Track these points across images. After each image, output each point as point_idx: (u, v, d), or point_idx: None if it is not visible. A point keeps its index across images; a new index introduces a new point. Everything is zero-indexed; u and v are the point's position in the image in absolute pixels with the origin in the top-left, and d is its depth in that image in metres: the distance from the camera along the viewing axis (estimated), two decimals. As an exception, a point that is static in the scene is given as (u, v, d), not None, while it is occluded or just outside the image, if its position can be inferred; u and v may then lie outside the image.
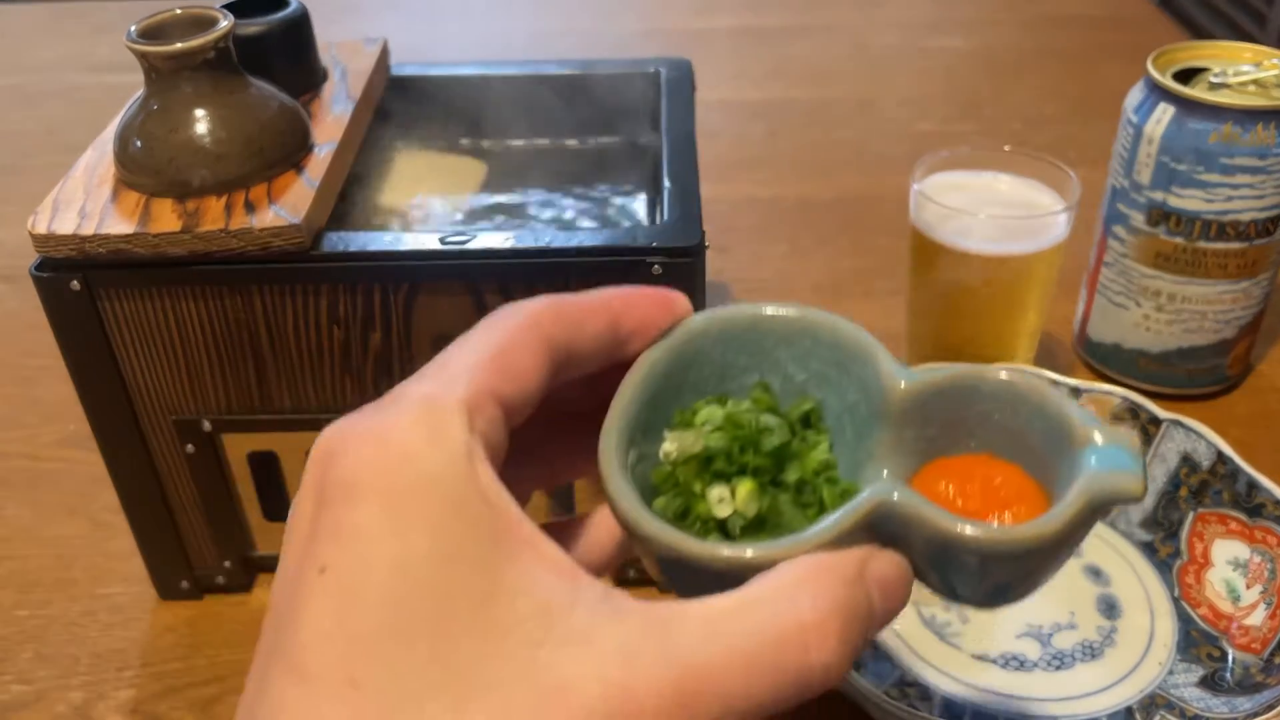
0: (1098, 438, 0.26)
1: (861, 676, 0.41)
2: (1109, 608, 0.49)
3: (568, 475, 0.31)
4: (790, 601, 0.24)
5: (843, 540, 0.25)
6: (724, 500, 0.28)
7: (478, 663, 0.23)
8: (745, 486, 0.28)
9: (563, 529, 0.31)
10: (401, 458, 0.24)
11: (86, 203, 0.44)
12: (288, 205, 0.43)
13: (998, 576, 0.26)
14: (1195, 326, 0.59)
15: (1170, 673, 0.46)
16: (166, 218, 0.43)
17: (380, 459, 0.24)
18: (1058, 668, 0.46)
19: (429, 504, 0.24)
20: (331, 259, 0.43)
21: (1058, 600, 0.49)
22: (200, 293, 0.44)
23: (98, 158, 0.47)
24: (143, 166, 0.44)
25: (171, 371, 0.46)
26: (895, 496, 0.25)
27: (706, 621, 0.24)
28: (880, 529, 0.26)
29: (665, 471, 0.29)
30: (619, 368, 0.30)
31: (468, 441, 0.25)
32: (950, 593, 0.27)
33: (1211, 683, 0.45)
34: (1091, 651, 0.47)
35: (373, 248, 0.44)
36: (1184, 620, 0.48)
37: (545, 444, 0.32)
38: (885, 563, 0.26)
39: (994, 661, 0.47)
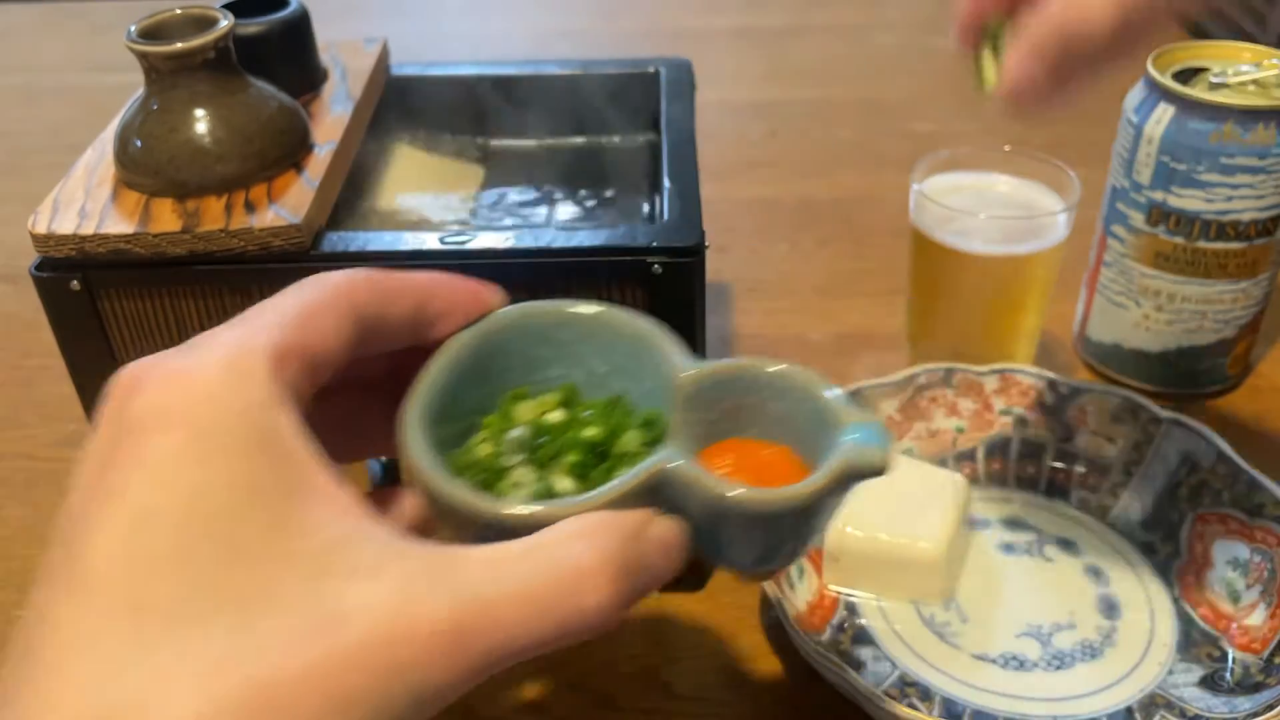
0: (852, 420, 0.30)
1: (861, 676, 0.41)
2: (1109, 608, 0.49)
3: (374, 449, 0.32)
4: (570, 548, 0.26)
5: (626, 502, 0.28)
6: (518, 485, 0.31)
7: (264, 588, 0.24)
8: (528, 474, 0.31)
9: (372, 500, 0.32)
10: (206, 396, 0.25)
11: (86, 203, 0.44)
12: (288, 205, 0.43)
13: (762, 538, 0.29)
14: (1195, 326, 0.59)
15: (1170, 673, 0.46)
16: (166, 218, 0.43)
17: (185, 395, 0.25)
18: (1057, 668, 0.46)
19: (231, 440, 0.25)
20: (331, 259, 0.43)
21: (1058, 600, 0.49)
22: (200, 292, 0.44)
23: (98, 158, 0.47)
24: (142, 166, 0.44)
25: (171, 371, 0.46)
26: (673, 464, 0.28)
27: (490, 563, 0.25)
28: (661, 495, 0.28)
29: (469, 458, 0.31)
30: (426, 350, 0.32)
31: (271, 387, 0.26)
32: (722, 557, 0.30)
33: (1211, 683, 0.45)
34: (1091, 651, 0.47)
35: (373, 248, 0.44)
36: (1184, 620, 0.48)
37: (352, 417, 0.33)
38: (663, 526, 0.28)
39: (994, 661, 0.47)
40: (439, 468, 0.29)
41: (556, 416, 0.32)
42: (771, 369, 0.31)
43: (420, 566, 0.25)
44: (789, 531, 0.29)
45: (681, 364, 0.31)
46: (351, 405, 0.33)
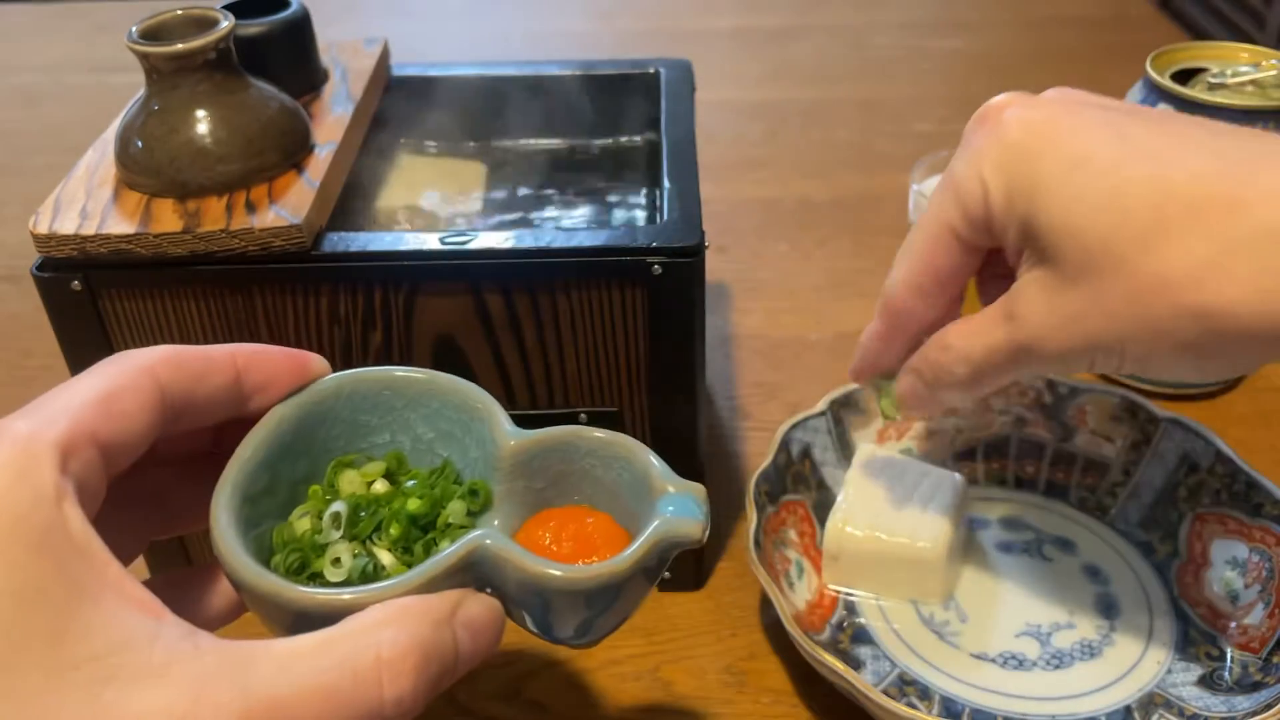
0: (671, 488, 0.30)
1: (860, 675, 0.41)
2: (1108, 607, 0.49)
3: (200, 523, 0.31)
4: (371, 638, 0.25)
5: (437, 583, 0.27)
6: (338, 561, 0.30)
7: (40, 701, 0.23)
8: (348, 550, 0.30)
9: (193, 577, 0.32)
10: None
11: (88, 203, 0.44)
12: (288, 205, 0.43)
13: (580, 612, 0.29)
14: (1194, 326, 0.59)
15: (1169, 672, 0.46)
16: (167, 218, 0.43)
17: None
18: (1056, 667, 0.47)
19: (8, 543, 0.24)
20: (332, 259, 0.44)
21: (1056, 600, 0.49)
22: (201, 293, 0.44)
23: (99, 158, 0.47)
24: (143, 167, 0.44)
25: (172, 371, 0.46)
26: (488, 542, 0.28)
27: (288, 656, 0.24)
28: (478, 572, 0.28)
29: (288, 534, 0.31)
30: (250, 420, 0.31)
31: (57, 482, 0.25)
32: (544, 630, 0.30)
33: (1210, 682, 0.45)
34: (1090, 650, 0.47)
35: (373, 248, 0.44)
36: (1182, 619, 0.48)
37: (173, 489, 0.32)
38: (477, 606, 0.28)
39: (993, 660, 0.47)
40: (245, 554, 0.28)
41: (380, 487, 0.32)
42: (597, 436, 0.31)
43: (211, 665, 0.24)
44: (606, 604, 0.29)
45: (508, 432, 0.32)
46: (171, 479, 0.32)
